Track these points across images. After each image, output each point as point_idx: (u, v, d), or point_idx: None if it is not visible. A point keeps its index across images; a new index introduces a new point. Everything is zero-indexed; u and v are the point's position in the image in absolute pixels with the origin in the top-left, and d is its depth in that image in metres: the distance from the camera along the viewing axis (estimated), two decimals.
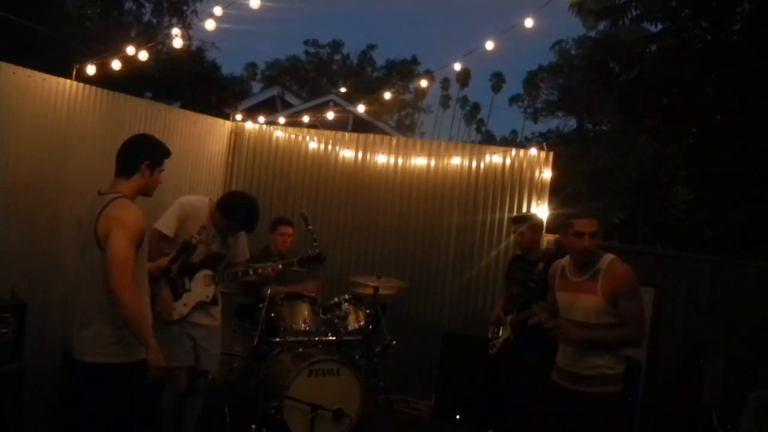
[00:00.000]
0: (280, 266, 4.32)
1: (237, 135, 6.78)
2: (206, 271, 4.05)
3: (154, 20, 16.75)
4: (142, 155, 3.16)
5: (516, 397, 4.75)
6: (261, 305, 4.67)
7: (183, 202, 4.11)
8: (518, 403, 4.73)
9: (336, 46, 49.57)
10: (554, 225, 6.28)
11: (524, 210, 6.10)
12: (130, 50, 5.25)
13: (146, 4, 16.20)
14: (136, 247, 3.01)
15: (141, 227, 3.02)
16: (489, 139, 48.74)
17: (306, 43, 48.70)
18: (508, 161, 6.24)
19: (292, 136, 6.74)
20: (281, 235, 5.33)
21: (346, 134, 6.82)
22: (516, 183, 6.18)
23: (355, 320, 5.04)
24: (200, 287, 4.04)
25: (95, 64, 5.11)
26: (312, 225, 4.68)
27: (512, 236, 5.29)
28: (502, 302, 5.08)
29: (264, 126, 6.82)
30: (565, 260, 3.50)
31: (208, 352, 4.13)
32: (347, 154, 6.58)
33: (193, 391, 4.16)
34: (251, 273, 4.16)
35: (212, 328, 4.16)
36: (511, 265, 5.25)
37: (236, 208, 4.07)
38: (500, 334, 4.94)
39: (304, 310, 4.91)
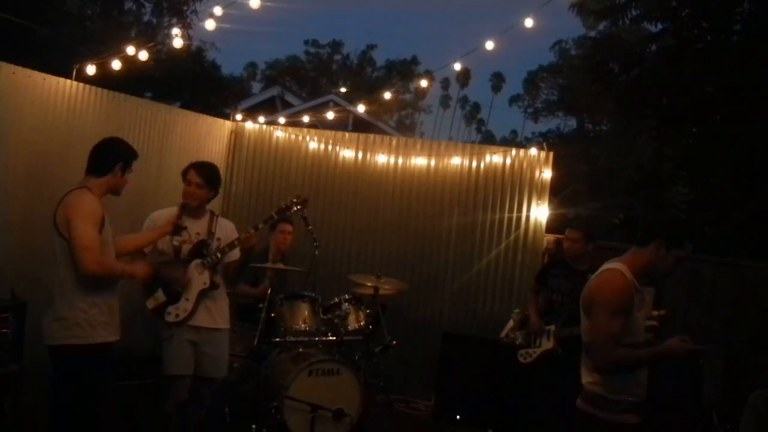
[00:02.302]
0: (260, 226, 4.19)
1: (237, 135, 6.78)
2: (196, 261, 4.05)
3: (154, 20, 16.74)
4: (117, 157, 3.43)
5: (558, 411, 4.55)
6: (261, 305, 4.67)
7: (153, 214, 4.20)
8: (539, 416, 4.58)
9: (336, 46, 49.50)
10: (554, 225, 6.29)
11: (524, 210, 6.11)
12: (130, 50, 5.26)
13: (146, 4, 16.18)
14: (99, 230, 3.25)
15: (98, 211, 3.27)
16: (489, 139, 48.71)
17: (306, 43, 48.65)
18: (508, 161, 6.24)
19: (292, 136, 6.73)
20: (281, 233, 5.36)
21: (346, 134, 6.83)
22: (516, 183, 6.18)
23: (355, 320, 5.04)
24: (195, 277, 4.03)
25: (95, 64, 5.12)
26: (312, 225, 4.68)
27: (563, 243, 4.88)
28: (536, 308, 4.86)
29: (264, 126, 6.83)
30: (629, 274, 2.82)
31: (212, 357, 4.08)
32: (347, 154, 6.58)
33: (196, 399, 4.12)
34: (236, 244, 4.09)
35: (216, 333, 4.11)
36: (547, 269, 5.00)
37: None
38: (539, 344, 4.72)
39: (304, 310, 4.91)
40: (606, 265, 2.91)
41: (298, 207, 4.33)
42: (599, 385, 2.83)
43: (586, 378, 2.89)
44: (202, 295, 4.04)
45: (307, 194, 4.53)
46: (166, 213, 4.15)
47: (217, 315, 4.13)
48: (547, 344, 4.67)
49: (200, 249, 4.08)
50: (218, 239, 4.14)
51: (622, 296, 2.77)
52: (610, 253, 3.17)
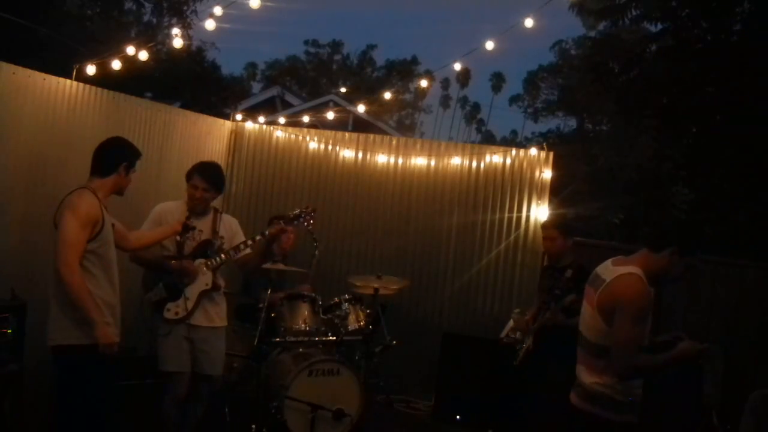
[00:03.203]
0: (267, 233, 4.20)
1: (237, 135, 6.78)
2: (200, 260, 4.06)
3: (154, 20, 16.75)
4: (121, 157, 3.42)
5: (538, 410, 4.55)
6: (261, 305, 4.67)
7: (156, 207, 4.23)
8: (538, 416, 4.56)
9: (336, 46, 49.51)
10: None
11: (524, 210, 6.10)
12: (130, 50, 5.26)
13: (146, 4, 16.21)
14: (89, 231, 3.20)
15: (94, 213, 3.22)
16: (489, 139, 48.78)
17: (306, 43, 48.64)
18: (508, 161, 6.23)
19: (292, 136, 6.73)
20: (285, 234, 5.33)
21: (346, 134, 6.82)
22: (516, 183, 6.17)
23: (355, 320, 5.04)
24: (198, 277, 4.04)
25: (95, 64, 5.12)
26: (312, 225, 4.67)
27: (543, 243, 4.94)
28: (533, 312, 4.89)
29: (264, 126, 6.82)
30: (644, 278, 2.75)
31: (208, 355, 4.10)
32: (347, 154, 6.58)
33: (195, 396, 4.13)
34: (242, 248, 4.12)
35: (213, 331, 4.13)
36: (542, 273, 5.12)
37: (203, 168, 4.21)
38: (525, 344, 4.77)
39: (304, 310, 4.91)
40: (621, 268, 2.80)
41: (308, 218, 4.35)
42: (609, 387, 2.78)
43: (591, 378, 2.84)
44: (203, 295, 4.05)
45: (315, 205, 4.57)
46: (173, 206, 4.17)
47: (215, 314, 4.15)
48: (528, 342, 4.74)
49: (204, 249, 4.09)
50: (221, 237, 4.16)
51: (645, 303, 2.72)
52: (608, 252, 3.15)
